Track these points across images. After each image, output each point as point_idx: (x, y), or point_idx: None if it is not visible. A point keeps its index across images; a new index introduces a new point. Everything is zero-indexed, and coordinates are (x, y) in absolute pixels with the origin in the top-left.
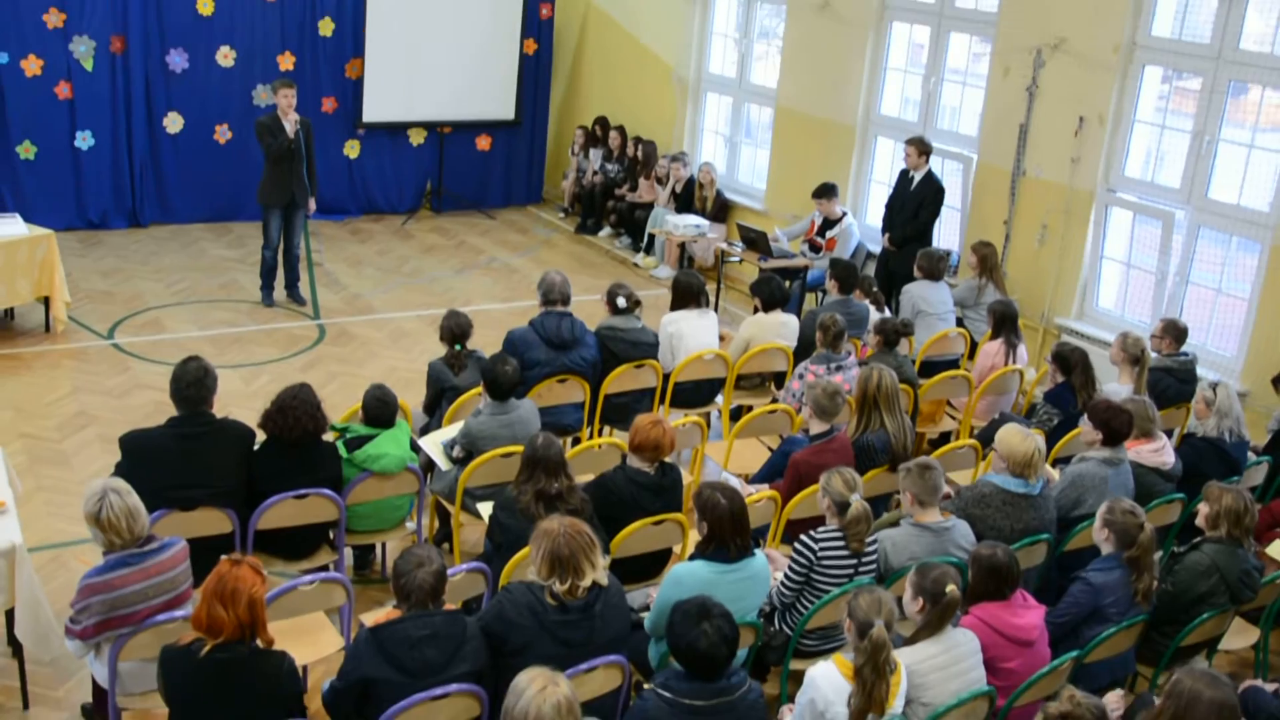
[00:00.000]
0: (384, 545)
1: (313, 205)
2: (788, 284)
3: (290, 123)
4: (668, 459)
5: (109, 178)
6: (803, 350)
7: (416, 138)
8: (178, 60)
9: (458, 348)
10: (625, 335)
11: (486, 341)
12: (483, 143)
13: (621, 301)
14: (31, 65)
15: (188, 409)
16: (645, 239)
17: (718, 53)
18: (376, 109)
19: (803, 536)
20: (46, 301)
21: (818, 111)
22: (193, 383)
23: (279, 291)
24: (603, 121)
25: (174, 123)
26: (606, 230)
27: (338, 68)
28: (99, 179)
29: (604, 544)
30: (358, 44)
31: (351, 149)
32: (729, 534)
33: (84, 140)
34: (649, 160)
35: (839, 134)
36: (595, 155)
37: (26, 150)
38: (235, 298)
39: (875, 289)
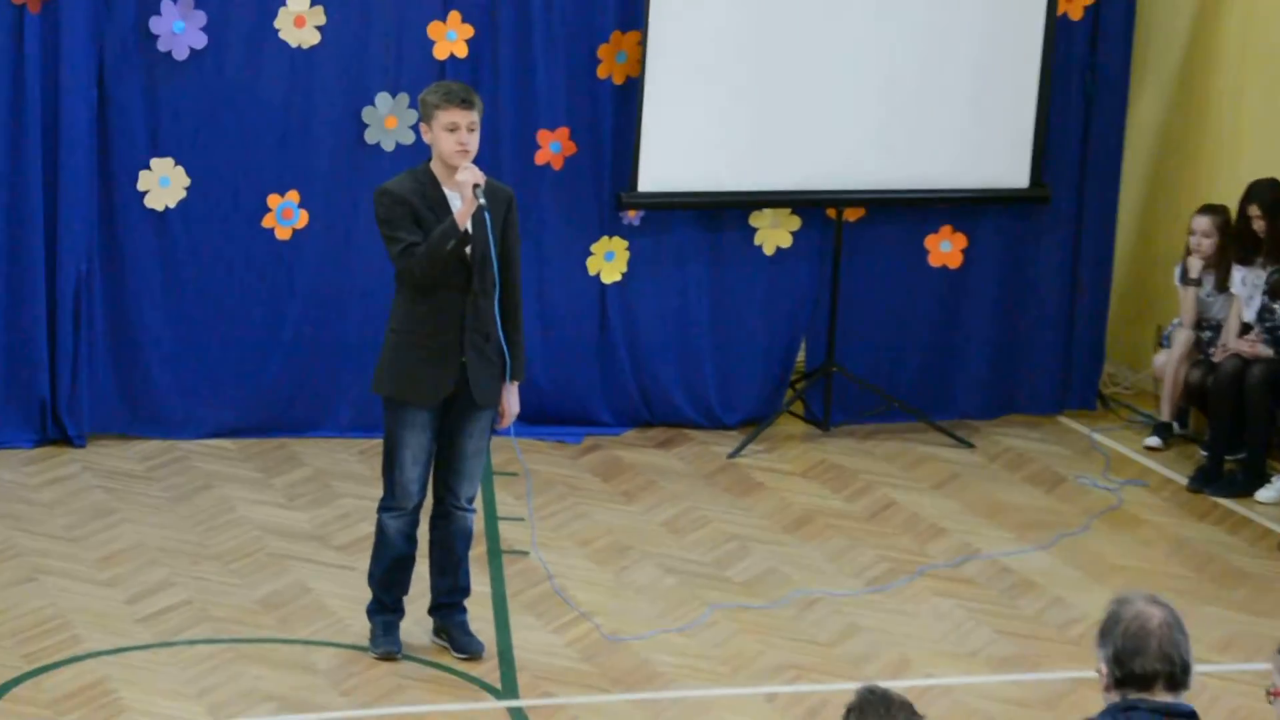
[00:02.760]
0: None
1: (513, 405)
2: None
3: (466, 193)
4: None
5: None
6: None
7: (773, 236)
8: (177, 29)
9: None
10: None
11: None
12: (942, 250)
13: None
14: None
15: None
16: None
17: None
18: (669, 163)
19: None
20: None
21: None
22: None
23: (415, 622)
24: (1270, 196)
25: (160, 183)
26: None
27: (576, 57)
28: None
29: None
30: (628, 2)
31: (605, 263)
32: None
33: None
34: None
35: None
36: (1245, 280)
37: None
38: (302, 633)
39: None
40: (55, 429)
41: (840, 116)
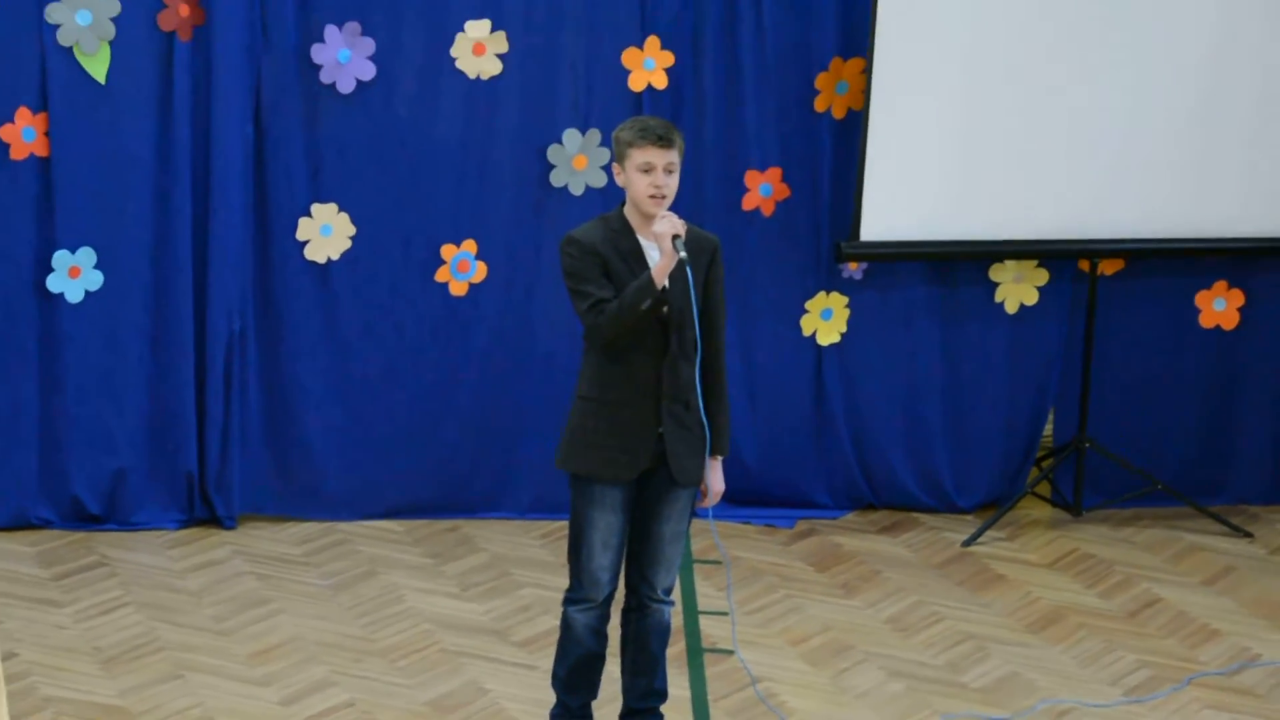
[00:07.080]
0: None
1: (717, 483)
2: None
3: (665, 244)
4: None
5: (144, 383)
6: None
7: (1017, 291)
8: (342, 59)
9: None
10: None
11: None
12: (1215, 308)
13: None
14: None
15: None
16: None
17: None
18: (896, 208)
19: None
20: None
21: None
22: None
23: None
24: None
25: (322, 232)
26: None
27: (790, 87)
28: (104, 387)
29: None
30: (850, 26)
31: (822, 323)
32: None
33: (72, 276)
34: None
35: None
36: None
37: None
38: None
39: None
40: (203, 508)
41: (1095, 154)
